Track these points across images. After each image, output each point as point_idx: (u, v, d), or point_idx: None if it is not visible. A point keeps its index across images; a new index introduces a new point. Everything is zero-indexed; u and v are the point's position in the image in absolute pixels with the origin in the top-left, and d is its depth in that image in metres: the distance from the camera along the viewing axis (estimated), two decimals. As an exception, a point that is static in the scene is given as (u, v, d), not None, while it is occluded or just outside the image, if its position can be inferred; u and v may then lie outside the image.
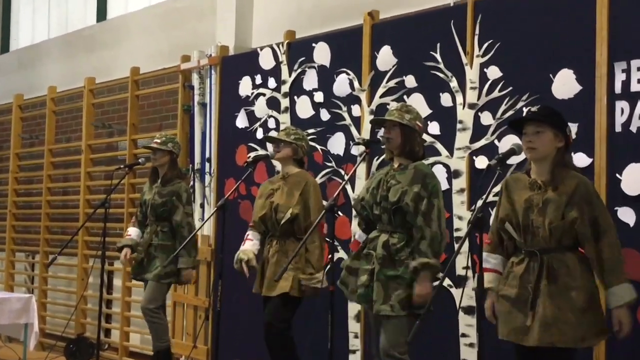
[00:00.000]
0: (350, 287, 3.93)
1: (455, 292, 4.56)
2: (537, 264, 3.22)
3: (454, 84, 4.73)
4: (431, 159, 4.69)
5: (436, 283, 3.88)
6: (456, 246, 4.55)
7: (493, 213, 3.53)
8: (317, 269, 4.44)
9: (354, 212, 5.16)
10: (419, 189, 3.77)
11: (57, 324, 8.03)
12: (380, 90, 5.15)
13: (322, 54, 5.58)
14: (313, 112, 5.62)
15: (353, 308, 5.14)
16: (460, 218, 4.62)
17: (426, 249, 3.71)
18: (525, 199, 3.28)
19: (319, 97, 5.58)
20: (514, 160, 3.99)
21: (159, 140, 5.33)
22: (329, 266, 4.58)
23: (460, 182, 4.64)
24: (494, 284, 3.37)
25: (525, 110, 4.33)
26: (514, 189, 3.36)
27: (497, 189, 4.07)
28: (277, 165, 5.64)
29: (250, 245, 4.70)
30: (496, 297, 3.35)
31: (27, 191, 8.99)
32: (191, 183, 6.38)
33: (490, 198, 4.25)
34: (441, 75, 4.79)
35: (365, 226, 4.02)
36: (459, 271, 4.56)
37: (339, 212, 5.18)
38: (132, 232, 5.47)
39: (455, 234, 4.62)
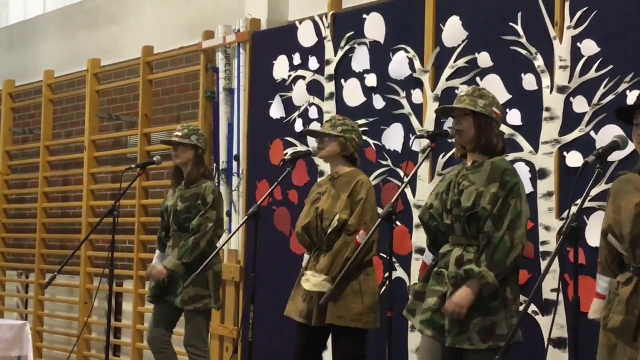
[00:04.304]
0: (417, 316, 3.91)
1: (543, 321, 4.50)
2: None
3: (539, 62, 4.67)
4: (511, 156, 4.64)
5: (521, 307, 3.84)
6: (543, 264, 4.50)
7: (592, 220, 3.47)
8: (321, 272, 4.41)
9: (414, 221, 5.14)
10: (497, 189, 3.75)
11: (56, 357, 8.14)
12: (447, 72, 5.12)
13: (375, 27, 5.57)
14: (364, 99, 5.60)
15: (414, 339, 5.11)
16: (547, 228, 4.56)
17: (483, 257, 3.68)
18: (636, 204, 3.22)
19: (371, 80, 5.57)
20: (616, 156, 3.93)
21: (180, 133, 5.37)
22: (384, 287, 4.56)
23: (548, 184, 4.59)
24: (598, 314, 3.32)
25: (629, 94, 4.26)
26: (621, 193, 3.30)
27: (595, 191, 4.01)
28: (321, 164, 5.65)
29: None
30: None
31: (20, 197, 9.14)
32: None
33: (587, 203, 4.20)
34: (523, 51, 4.75)
35: (431, 242, 4.00)
36: (547, 294, 4.50)
37: (397, 222, 5.15)
38: (155, 259, 5.49)
39: (542, 248, 4.56)
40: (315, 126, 5.79)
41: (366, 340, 4.53)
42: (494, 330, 3.70)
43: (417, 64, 5.28)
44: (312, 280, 4.40)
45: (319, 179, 5.55)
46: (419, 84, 5.28)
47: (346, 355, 4.48)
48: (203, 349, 5.31)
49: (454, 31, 5.10)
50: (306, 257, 4.71)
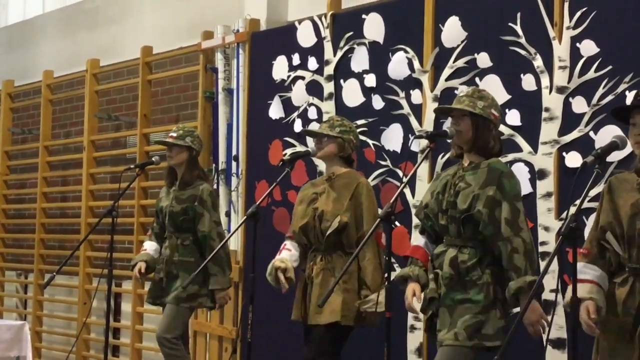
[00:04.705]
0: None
1: (541, 321, 4.49)
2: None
3: (538, 62, 4.68)
4: (510, 156, 4.65)
5: (516, 310, 3.84)
6: (542, 264, 4.49)
7: (591, 220, 3.47)
8: (373, 289, 4.43)
9: (414, 222, 5.14)
10: (494, 192, 3.75)
11: (55, 358, 8.13)
12: (447, 72, 5.12)
13: (374, 27, 5.57)
14: (363, 99, 5.60)
15: (414, 340, 5.11)
16: (546, 229, 4.56)
17: (523, 264, 3.68)
18: (632, 204, 3.22)
19: (370, 80, 5.57)
20: (615, 156, 3.93)
21: (175, 134, 5.37)
22: (384, 287, 4.56)
23: (547, 185, 4.59)
24: (595, 295, 3.27)
25: (628, 94, 4.26)
26: (618, 192, 3.30)
27: (594, 191, 4.01)
28: (321, 165, 5.65)
29: (288, 255, 4.70)
30: (594, 305, 3.25)
31: (19, 197, 9.14)
32: (214, 187, 6.41)
33: (586, 204, 4.19)
34: (522, 52, 4.75)
35: (428, 237, 4.01)
36: (546, 295, 4.49)
37: (396, 222, 5.15)
38: (148, 246, 5.51)
39: (541, 249, 4.56)
40: (314, 127, 5.79)
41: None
42: (481, 329, 3.70)
43: (416, 64, 5.28)
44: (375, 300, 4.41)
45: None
46: (418, 84, 5.28)
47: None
48: (179, 343, 5.29)
49: (453, 31, 5.10)
50: (286, 242, 4.69)
